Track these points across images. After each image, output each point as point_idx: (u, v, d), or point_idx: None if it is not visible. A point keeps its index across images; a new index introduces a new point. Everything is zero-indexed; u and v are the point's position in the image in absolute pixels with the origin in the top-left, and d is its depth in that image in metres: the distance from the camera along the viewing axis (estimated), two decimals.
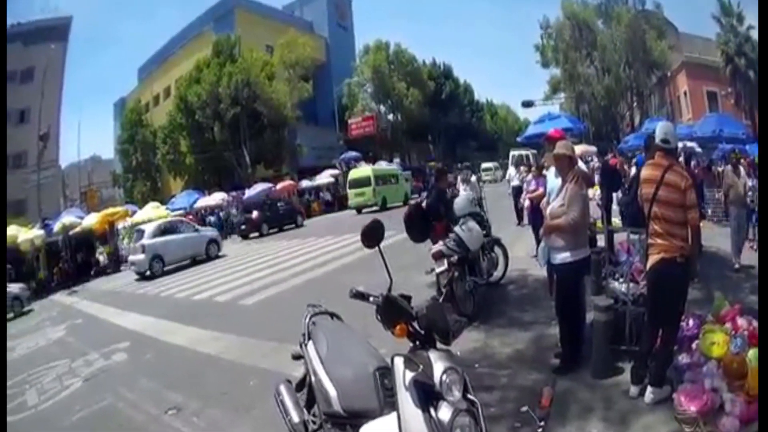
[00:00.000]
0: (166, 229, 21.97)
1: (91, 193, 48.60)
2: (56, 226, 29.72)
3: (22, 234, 25.26)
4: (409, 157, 59.16)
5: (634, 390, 4.52)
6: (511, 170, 15.46)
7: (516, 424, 4.50)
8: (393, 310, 2.88)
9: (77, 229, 28.33)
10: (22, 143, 46.10)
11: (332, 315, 4.21)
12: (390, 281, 3.13)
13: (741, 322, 4.95)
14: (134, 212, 33.76)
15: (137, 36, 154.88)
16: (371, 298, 3.07)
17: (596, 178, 11.55)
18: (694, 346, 4.77)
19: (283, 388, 4.16)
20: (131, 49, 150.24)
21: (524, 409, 4.69)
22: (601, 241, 7.46)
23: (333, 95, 54.76)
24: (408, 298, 3.03)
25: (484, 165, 44.46)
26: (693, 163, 15.13)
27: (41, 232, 27.00)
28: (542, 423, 4.39)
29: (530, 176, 12.42)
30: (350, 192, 32.27)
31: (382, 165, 39.15)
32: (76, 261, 25.72)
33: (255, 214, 29.25)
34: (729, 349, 4.37)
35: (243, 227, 29.37)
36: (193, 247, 22.35)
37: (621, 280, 5.54)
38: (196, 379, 7.38)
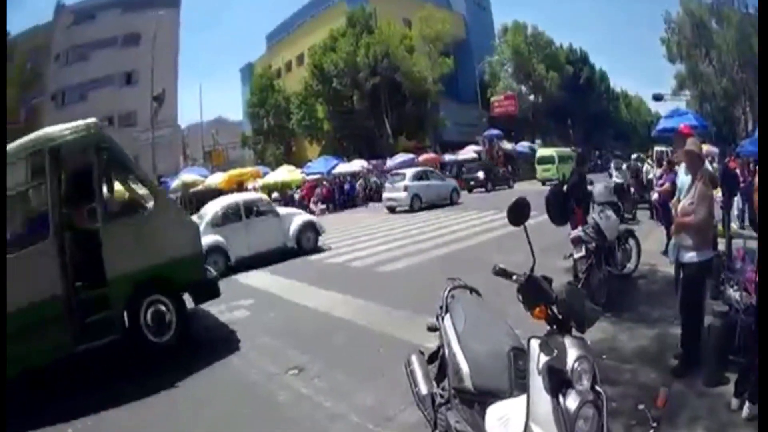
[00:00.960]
0: (421, 176, 27.20)
1: (217, 153, 51.09)
2: (174, 183, 30.81)
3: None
4: (550, 139, 57.49)
5: (735, 402, 4.58)
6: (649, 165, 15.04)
7: (632, 422, 4.61)
8: (534, 291, 2.89)
9: (200, 187, 29.29)
10: (130, 104, 48.34)
11: (471, 290, 4.21)
12: (533, 261, 3.16)
13: None
14: (266, 173, 34.86)
15: (264, 2, 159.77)
16: (514, 277, 3.04)
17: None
18: None
19: (414, 359, 4.25)
20: (257, 15, 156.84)
21: (641, 407, 4.79)
22: (721, 245, 7.35)
23: (475, 72, 54.12)
24: (549, 281, 3.03)
25: (541, 152, 42.00)
26: None
27: None
28: (655, 424, 4.52)
29: (660, 171, 12.13)
30: (538, 167, 38.88)
31: (560, 149, 41.42)
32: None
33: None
34: None
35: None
36: (440, 193, 27.38)
37: (735, 287, 5.49)
38: (322, 341, 7.50)
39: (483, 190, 35.46)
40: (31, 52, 47.60)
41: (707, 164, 6.03)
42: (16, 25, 50.47)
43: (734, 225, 9.25)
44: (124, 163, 8.07)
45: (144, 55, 43.58)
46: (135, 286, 7.26)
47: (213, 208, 14.28)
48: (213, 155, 52.51)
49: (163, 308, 7.63)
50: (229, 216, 14.16)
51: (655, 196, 10.70)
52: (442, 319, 3.85)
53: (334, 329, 7.99)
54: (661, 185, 10.46)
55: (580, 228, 8.05)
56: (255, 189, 31.04)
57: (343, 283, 11.17)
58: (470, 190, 35.25)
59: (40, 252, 6.61)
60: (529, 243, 3.24)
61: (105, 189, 7.97)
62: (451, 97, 52.29)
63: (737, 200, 11.67)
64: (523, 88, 58.44)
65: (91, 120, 7.51)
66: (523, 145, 47.30)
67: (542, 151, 41.11)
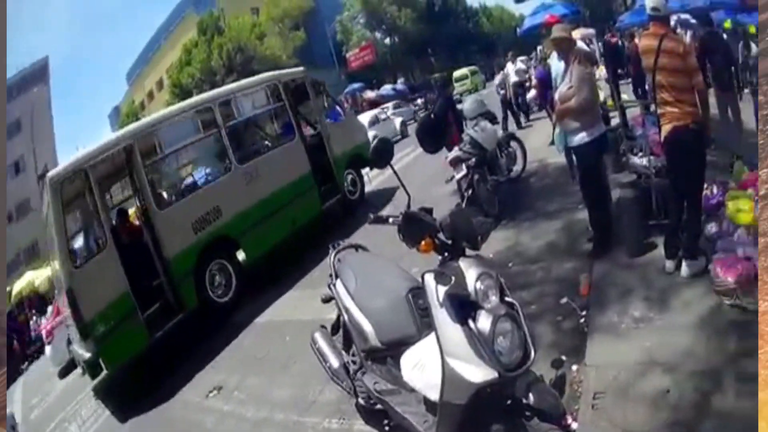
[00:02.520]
0: None
1: None
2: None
3: (37, 277, 23.29)
4: (413, 75, 58.30)
5: (669, 265, 4.40)
6: (509, 68, 14.86)
7: (558, 318, 4.42)
8: (415, 226, 2.75)
9: None
10: (22, 192, 46.01)
11: (356, 247, 4.04)
12: (408, 197, 3.03)
13: None
14: None
15: (119, 46, 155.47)
16: (391, 219, 2.94)
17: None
18: (720, 214, 4.61)
19: (318, 336, 4.08)
20: (116, 59, 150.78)
21: (564, 300, 4.62)
22: (614, 119, 7.24)
23: (327, 35, 53.99)
24: (429, 211, 2.91)
25: (457, 73, 42.70)
26: (690, 34, 14.51)
27: None
28: (584, 312, 4.31)
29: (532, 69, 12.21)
30: (456, 85, 39.14)
31: (471, 68, 45.35)
32: None
33: None
34: (756, 215, 4.19)
35: None
36: None
37: (640, 154, 5.34)
38: (232, 351, 6.98)
39: None
40: None
41: (580, 44, 5.68)
42: None
43: (626, 96, 9.19)
44: (326, 91, 11.39)
45: (25, 139, 43.32)
46: (349, 159, 10.58)
47: (365, 119, 20.25)
48: None
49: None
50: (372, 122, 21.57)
51: (531, 94, 10.53)
52: (334, 285, 3.73)
53: (239, 334, 7.41)
54: (534, 84, 10.46)
55: (456, 148, 7.73)
56: None
57: None
58: None
59: (294, 143, 9.58)
60: (400, 180, 3.18)
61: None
62: (308, 66, 51.51)
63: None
64: (378, 35, 57.95)
65: (302, 68, 11.42)
66: (386, 89, 47.01)
67: (456, 73, 43.37)
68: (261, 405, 5.24)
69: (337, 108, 11.87)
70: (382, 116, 24.58)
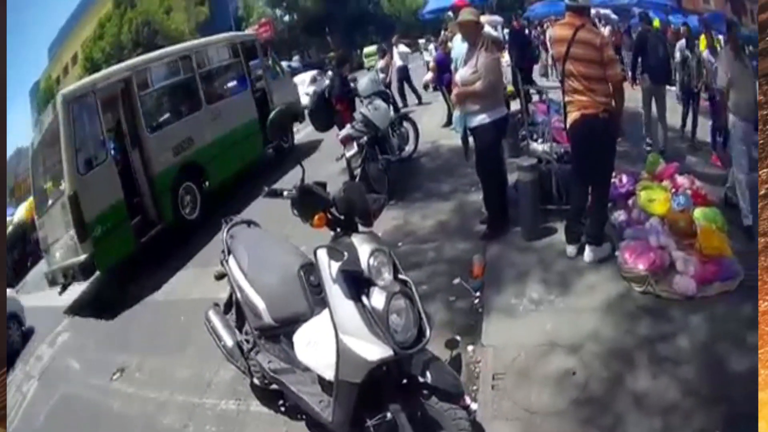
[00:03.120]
0: None
1: (17, 185, 46.67)
2: None
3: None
4: (308, 53, 57.69)
5: (570, 249, 4.43)
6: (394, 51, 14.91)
7: (451, 298, 4.37)
8: (309, 201, 2.69)
9: (9, 229, 26.90)
10: None
11: (249, 223, 3.97)
12: (303, 171, 2.92)
13: (682, 180, 4.98)
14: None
15: (42, 18, 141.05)
16: (285, 193, 2.86)
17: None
18: (630, 203, 4.75)
19: (212, 314, 3.95)
20: (38, 32, 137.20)
21: (456, 281, 4.56)
22: (515, 105, 7.28)
23: (229, 11, 52.78)
24: (323, 185, 2.85)
25: (367, 50, 44.01)
26: (608, 29, 15.17)
27: None
28: (477, 293, 4.27)
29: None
30: (366, 60, 38.24)
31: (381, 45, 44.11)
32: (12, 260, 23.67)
33: None
34: (672, 206, 4.33)
35: None
36: None
37: (540, 140, 5.40)
38: (132, 332, 6.91)
39: None
40: None
41: (488, 29, 5.59)
42: None
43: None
44: (271, 54, 13.40)
45: None
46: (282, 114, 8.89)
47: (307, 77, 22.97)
48: (16, 188, 45.81)
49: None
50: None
51: (427, 76, 10.50)
52: (227, 262, 3.67)
53: (139, 315, 7.22)
54: (432, 67, 10.46)
55: (348, 126, 7.66)
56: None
57: None
58: None
59: (246, 92, 11.30)
60: (300, 163, 3.07)
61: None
62: None
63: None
64: (278, 12, 57.31)
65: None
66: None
67: (367, 49, 42.54)
68: (162, 386, 5.07)
69: (278, 68, 13.44)
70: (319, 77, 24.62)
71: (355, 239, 2.55)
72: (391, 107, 8.78)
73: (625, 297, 3.77)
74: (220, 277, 3.80)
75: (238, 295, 3.45)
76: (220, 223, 3.97)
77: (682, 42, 8.58)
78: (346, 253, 2.45)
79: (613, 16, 16.67)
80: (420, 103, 13.63)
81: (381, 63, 14.34)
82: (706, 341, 3.24)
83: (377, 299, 2.41)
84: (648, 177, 5.04)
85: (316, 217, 2.63)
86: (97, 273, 8.02)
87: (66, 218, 7.93)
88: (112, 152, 8.55)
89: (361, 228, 2.68)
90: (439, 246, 5.42)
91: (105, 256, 7.88)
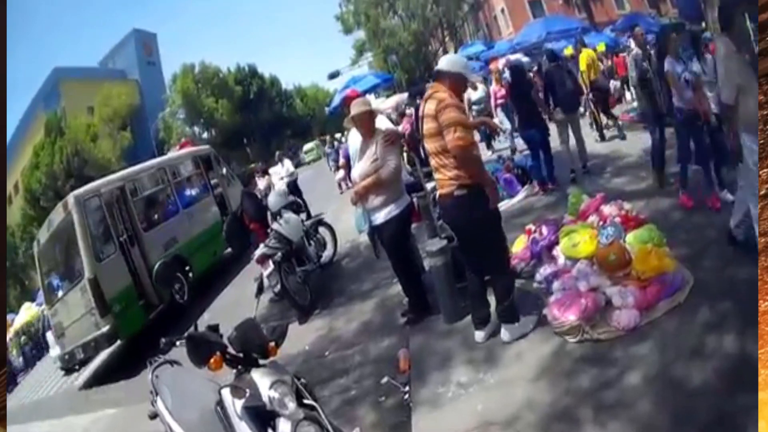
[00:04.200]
0: None
1: None
2: None
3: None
4: (230, 166, 58.36)
5: (480, 335, 4.11)
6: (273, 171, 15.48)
7: (380, 398, 4.21)
8: (201, 347, 2.79)
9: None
10: None
11: (171, 362, 3.95)
12: (198, 316, 3.25)
13: (608, 209, 4.80)
14: (13, 320, 31.05)
15: None
16: (178, 342, 3.02)
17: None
18: (555, 253, 4.59)
19: None
20: None
21: (384, 380, 4.42)
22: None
23: (150, 134, 54.29)
24: (215, 328, 3.01)
25: (306, 146, 47.79)
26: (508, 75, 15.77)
27: None
28: (406, 388, 4.05)
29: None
30: (306, 156, 46.07)
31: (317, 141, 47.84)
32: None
33: None
34: (599, 242, 4.14)
35: None
36: None
37: None
38: None
39: None
40: None
41: (383, 121, 5.52)
42: None
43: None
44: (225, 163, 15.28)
45: None
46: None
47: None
48: None
49: None
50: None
51: (339, 175, 10.47)
52: (155, 402, 3.66)
53: None
54: (341, 164, 10.66)
55: (261, 245, 7.50)
56: (10, 340, 26.43)
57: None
58: None
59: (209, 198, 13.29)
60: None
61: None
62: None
63: None
64: (196, 129, 58.33)
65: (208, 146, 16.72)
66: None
67: (306, 146, 49.15)
68: None
69: (230, 176, 14.76)
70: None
71: (255, 374, 2.64)
72: (304, 215, 8.78)
73: (559, 354, 3.57)
74: (153, 416, 3.72)
75: None
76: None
77: (635, 53, 7.10)
78: (247, 390, 2.53)
79: (525, 59, 16.81)
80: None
81: (262, 184, 13.56)
82: (661, 366, 3.07)
83: (284, 429, 2.48)
84: (572, 219, 4.92)
85: (212, 360, 2.69)
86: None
87: (85, 299, 9.15)
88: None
89: (261, 361, 2.78)
90: (364, 348, 5.27)
91: (124, 328, 9.19)
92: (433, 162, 3.93)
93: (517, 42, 19.14)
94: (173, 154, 15.04)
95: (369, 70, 37.62)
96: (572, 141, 8.18)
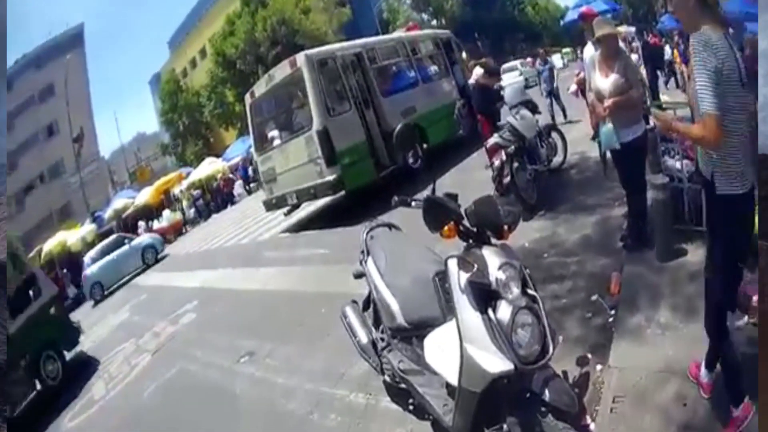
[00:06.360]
0: None
1: (141, 170, 51.53)
2: (107, 215, 30.99)
3: (70, 236, 25.71)
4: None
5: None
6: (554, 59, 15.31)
7: (587, 314, 4.43)
8: (438, 212, 2.74)
9: (130, 210, 29.05)
10: (56, 153, 48.58)
11: (390, 226, 4.08)
12: (433, 182, 3.13)
13: None
14: (188, 173, 34.22)
15: (160, 13, 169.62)
16: (414, 203, 2.99)
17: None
18: None
19: (349, 310, 4.11)
20: (156, 25, 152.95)
21: (594, 297, 4.60)
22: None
23: (373, 13, 54.77)
24: (454, 197, 2.92)
25: (506, 65, 39.93)
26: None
27: (92, 226, 27.64)
28: (612, 312, 4.31)
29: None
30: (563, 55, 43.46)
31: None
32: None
33: None
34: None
35: None
36: None
37: (676, 157, 5.12)
38: (267, 319, 7.50)
39: None
40: None
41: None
42: None
43: (665, 97, 9.03)
44: (462, 49, 16.47)
45: (59, 103, 44.08)
46: None
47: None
48: (138, 173, 51.87)
49: None
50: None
51: (573, 88, 10.33)
52: (365, 262, 3.77)
53: (275, 304, 8.00)
54: (577, 74, 10.02)
55: (495, 135, 7.74)
56: (181, 192, 30.57)
57: (269, 257, 11.28)
58: None
59: (449, 78, 14.42)
60: (434, 180, 3.22)
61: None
62: None
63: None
64: (425, 16, 58.13)
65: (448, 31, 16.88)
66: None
67: (564, 50, 46.53)
68: (292, 374, 5.47)
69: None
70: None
71: (486, 252, 2.56)
72: (538, 117, 8.74)
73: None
74: (358, 276, 3.91)
75: (375, 295, 3.55)
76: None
77: None
78: (475, 265, 2.49)
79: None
80: (565, 118, 13.32)
81: (542, 69, 14.48)
82: None
83: (503, 313, 2.42)
84: None
85: (446, 228, 2.68)
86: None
87: (310, 149, 10.47)
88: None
89: (494, 241, 2.69)
90: (581, 260, 5.44)
91: (351, 180, 10.48)
92: None
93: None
94: (407, 33, 15.66)
95: None
96: None
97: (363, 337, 3.81)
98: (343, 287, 6.25)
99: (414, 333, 3.14)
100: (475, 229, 2.70)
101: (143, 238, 21.40)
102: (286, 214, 13.04)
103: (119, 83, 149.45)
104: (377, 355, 3.63)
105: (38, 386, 8.90)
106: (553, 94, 13.40)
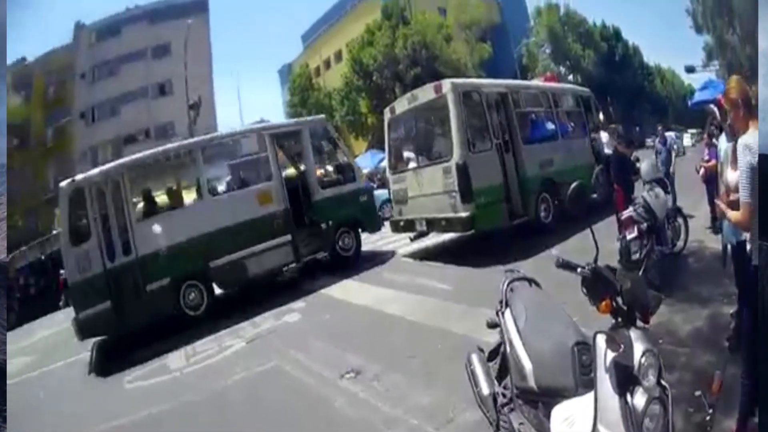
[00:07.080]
0: None
1: None
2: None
3: None
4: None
5: None
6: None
7: (689, 409, 4.44)
8: (600, 284, 2.81)
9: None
10: (166, 115, 48.89)
11: (531, 281, 4.01)
12: (597, 251, 3.08)
13: None
14: None
15: (294, 3, 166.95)
16: (579, 270, 2.97)
17: None
18: None
19: (474, 357, 4.11)
20: (289, 15, 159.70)
21: (698, 393, 4.57)
22: None
23: (513, 55, 54.81)
24: (613, 270, 2.94)
25: (691, 131, 44.15)
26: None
27: None
28: (711, 411, 4.35)
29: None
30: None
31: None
32: None
33: None
34: None
35: None
36: None
37: None
38: (378, 341, 7.38)
39: None
40: (52, 75, 49.59)
41: None
42: (32, 52, 53.63)
43: None
44: (597, 107, 15.49)
45: (176, 65, 43.67)
46: None
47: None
48: None
49: None
50: None
51: (702, 171, 10.15)
52: (502, 314, 3.70)
53: (389, 327, 7.91)
54: (707, 161, 9.78)
55: (630, 208, 7.86)
56: None
57: (387, 278, 11.12)
58: None
59: (585, 139, 13.64)
60: (591, 229, 3.28)
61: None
62: None
63: None
64: (562, 69, 58.14)
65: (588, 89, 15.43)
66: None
67: (691, 131, 46.83)
68: (397, 403, 5.41)
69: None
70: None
71: (632, 334, 2.59)
72: (669, 198, 8.72)
73: None
74: (492, 326, 3.88)
75: (508, 349, 3.51)
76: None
77: None
78: (622, 346, 2.51)
79: None
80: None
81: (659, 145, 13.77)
82: None
83: (639, 400, 2.44)
84: None
85: (604, 303, 2.74)
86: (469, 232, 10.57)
87: (447, 180, 10.39)
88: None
89: (638, 323, 2.72)
90: (691, 352, 5.44)
91: (483, 221, 10.29)
92: None
93: None
94: (551, 84, 15.79)
95: (716, 78, 32.10)
96: None
97: (485, 389, 3.81)
98: (461, 328, 6.83)
99: (541, 398, 3.12)
100: (626, 308, 2.75)
101: None
102: (412, 239, 13.04)
103: (245, 63, 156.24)
104: (495, 410, 3.61)
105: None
106: (668, 177, 13.10)
